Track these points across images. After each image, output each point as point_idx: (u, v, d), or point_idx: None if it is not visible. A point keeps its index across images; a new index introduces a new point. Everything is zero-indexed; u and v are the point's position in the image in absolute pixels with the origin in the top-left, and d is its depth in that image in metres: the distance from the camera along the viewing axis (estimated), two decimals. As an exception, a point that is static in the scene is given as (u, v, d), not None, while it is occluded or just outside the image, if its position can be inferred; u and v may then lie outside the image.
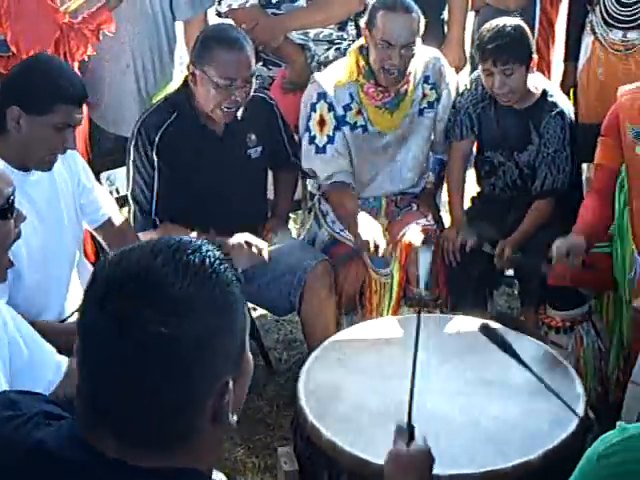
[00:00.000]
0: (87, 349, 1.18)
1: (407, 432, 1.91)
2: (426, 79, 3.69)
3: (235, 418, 1.22)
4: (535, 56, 3.59)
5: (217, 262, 1.18)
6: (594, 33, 3.95)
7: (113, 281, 1.15)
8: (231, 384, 1.19)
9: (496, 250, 3.54)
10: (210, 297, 1.15)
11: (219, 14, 3.97)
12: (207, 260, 1.17)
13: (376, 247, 3.43)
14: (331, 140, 3.62)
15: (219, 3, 3.93)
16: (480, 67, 3.57)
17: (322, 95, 3.59)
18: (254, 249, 3.26)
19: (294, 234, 3.97)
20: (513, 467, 2.30)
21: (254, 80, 3.32)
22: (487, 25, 3.57)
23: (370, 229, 3.47)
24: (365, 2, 3.83)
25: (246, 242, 3.25)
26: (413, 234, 3.59)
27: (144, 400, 1.15)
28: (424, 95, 3.70)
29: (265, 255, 3.29)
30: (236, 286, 1.20)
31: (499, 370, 2.69)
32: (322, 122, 3.61)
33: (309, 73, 3.79)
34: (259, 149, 3.50)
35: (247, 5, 3.84)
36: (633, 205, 3.34)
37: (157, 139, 3.29)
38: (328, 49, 3.93)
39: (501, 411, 2.52)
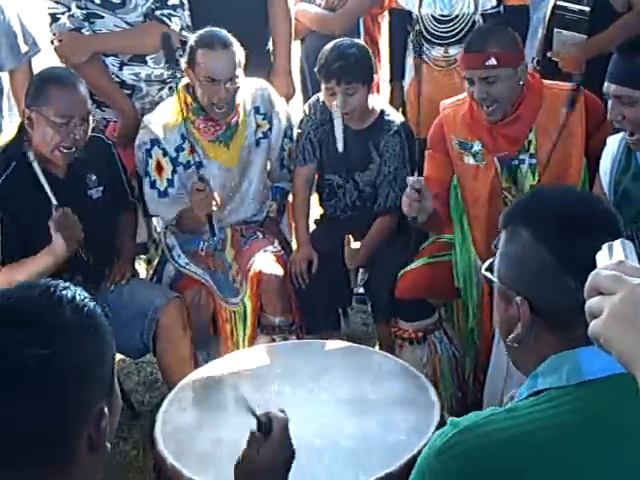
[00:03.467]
0: None
1: (262, 429, 1.83)
2: (257, 110, 3.74)
3: (109, 446, 1.26)
4: (376, 76, 3.68)
5: (86, 298, 1.26)
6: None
7: None
8: (106, 410, 1.23)
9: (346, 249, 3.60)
10: (84, 326, 1.23)
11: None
12: (77, 296, 1.25)
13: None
14: (171, 184, 3.63)
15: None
16: (323, 87, 3.63)
17: (155, 141, 3.60)
18: None
19: (143, 276, 3.93)
20: (375, 481, 2.33)
21: (91, 119, 3.29)
22: (330, 45, 3.62)
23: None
24: (180, 39, 3.84)
25: None
26: (262, 262, 3.62)
27: (21, 429, 1.17)
28: (258, 126, 3.75)
29: None
30: (104, 318, 1.28)
31: (353, 388, 2.74)
32: (159, 167, 3.62)
33: (139, 122, 3.78)
34: (100, 189, 3.47)
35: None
36: (470, 213, 3.46)
37: None
38: (161, 89, 3.91)
39: (359, 428, 2.55)
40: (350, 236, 3.55)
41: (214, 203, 3.45)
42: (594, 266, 1.45)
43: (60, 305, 1.22)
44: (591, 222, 1.55)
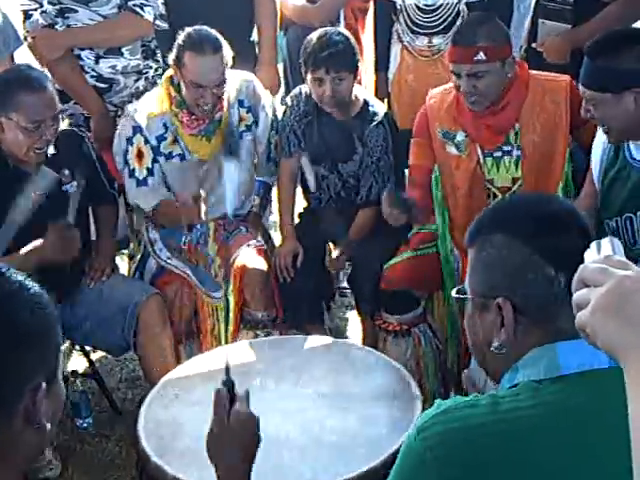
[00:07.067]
0: None
1: (227, 394, 1.84)
2: (241, 103, 3.70)
3: (49, 426, 1.23)
4: (361, 65, 3.66)
5: (23, 277, 1.24)
6: (401, 41, 4.04)
7: None
8: (44, 386, 1.20)
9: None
10: (24, 300, 1.21)
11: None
12: (13, 274, 1.23)
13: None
14: (151, 172, 3.60)
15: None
16: (310, 76, 3.58)
17: (137, 128, 3.57)
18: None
19: (124, 271, 3.90)
20: (358, 476, 2.31)
21: (60, 117, 3.27)
22: (314, 35, 3.60)
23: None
24: (153, 28, 3.87)
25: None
26: (246, 256, 3.59)
27: None
28: (241, 119, 3.71)
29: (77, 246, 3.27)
30: (45, 298, 1.25)
31: (335, 383, 2.73)
32: (140, 155, 3.59)
33: (112, 123, 3.79)
34: (74, 184, 3.43)
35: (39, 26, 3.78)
36: (449, 202, 3.44)
37: None
38: (137, 80, 3.92)
39: (341, 422, 2.54)
40: (331, 244, 3.56)
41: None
42: (570, 253, 1.45)
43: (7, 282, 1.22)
44: (559, 215, 1.60)
